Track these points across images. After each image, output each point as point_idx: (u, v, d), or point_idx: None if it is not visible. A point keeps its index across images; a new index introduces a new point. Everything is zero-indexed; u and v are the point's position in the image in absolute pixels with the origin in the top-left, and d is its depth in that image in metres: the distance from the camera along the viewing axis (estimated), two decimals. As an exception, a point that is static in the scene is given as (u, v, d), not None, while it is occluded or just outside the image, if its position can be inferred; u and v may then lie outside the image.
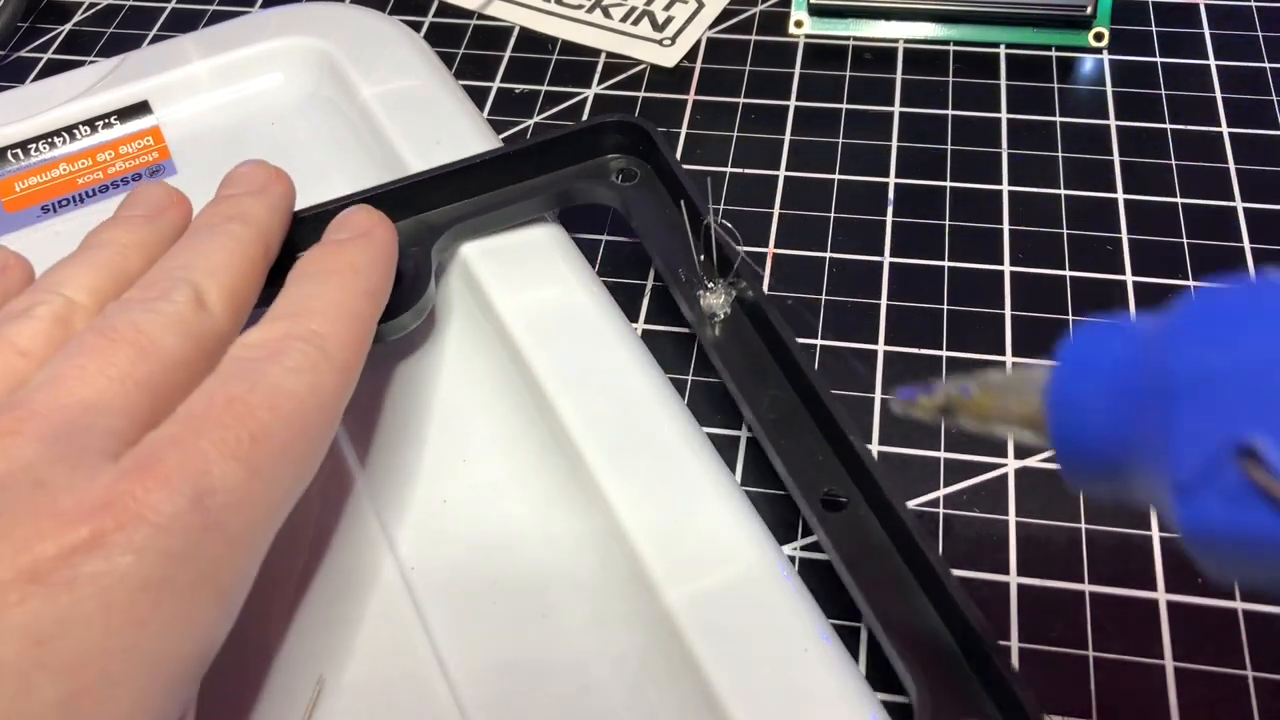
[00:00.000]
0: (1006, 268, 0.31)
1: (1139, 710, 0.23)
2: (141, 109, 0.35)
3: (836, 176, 0.34)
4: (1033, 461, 0.27)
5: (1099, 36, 0.37)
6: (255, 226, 0.25)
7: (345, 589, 0.25)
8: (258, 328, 0.22)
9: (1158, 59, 0.37)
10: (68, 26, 0.41)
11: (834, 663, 0.22)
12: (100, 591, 0.17)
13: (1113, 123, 0.35)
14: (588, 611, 0.24)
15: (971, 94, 0.36)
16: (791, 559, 0.26)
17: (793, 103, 0.36)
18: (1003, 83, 0.36)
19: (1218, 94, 0.35)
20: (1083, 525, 0.26)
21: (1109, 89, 0.36)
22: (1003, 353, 0.29)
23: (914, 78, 0.36)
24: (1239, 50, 0.37)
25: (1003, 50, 0.37)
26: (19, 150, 0.34)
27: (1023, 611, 0.25)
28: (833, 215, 0.33)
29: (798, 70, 0.37)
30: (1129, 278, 0.31)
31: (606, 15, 0.40)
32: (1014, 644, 0.24)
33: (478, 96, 0.37)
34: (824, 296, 0.31)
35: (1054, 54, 0.37)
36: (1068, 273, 0.31)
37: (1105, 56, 0.37)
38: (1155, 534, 0.26)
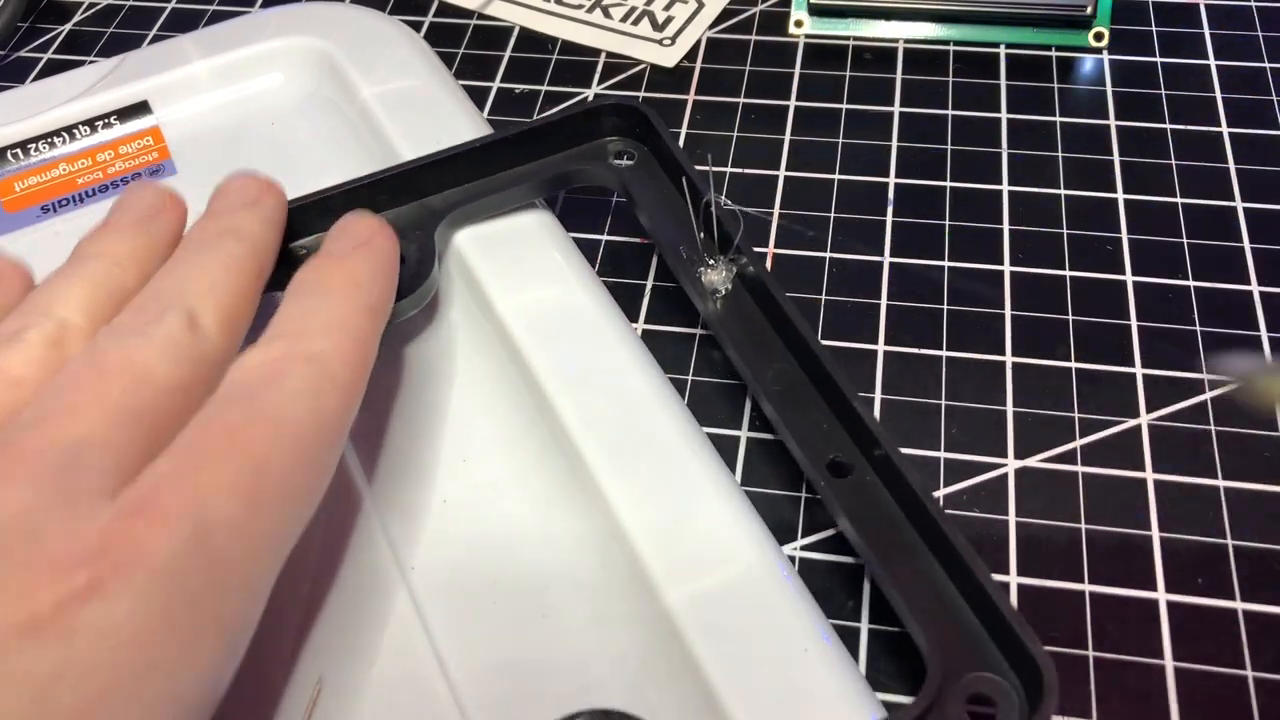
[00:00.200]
0: (1006, 268, 0.31)
1: (1139, 710, 0.23)
2: (141, 109, 0.35)
3: (836, 176, 0.34)
4: (1033, 461, 0.27)
5: (1099, 36, 0.37)
6: (249, 242, 0.24)
7: (345, 589, 0.25)
8: (256, 348, 0.21)
9: (1158, 59, 0.37)
10: (68, 26, 0.41)
11: (834, 663, 0.22)
12: (100, 639, 0.16)
13: (1113, 123, 0.35)
14: (588, 611, 0.24)
15: (971, 94, 0.36)
16: (791, 559, 0.26)
17: (793, 103, 0.36)
18: (1003, 83, 0.36)
19: (1218, 94, 0.35)
20: (1083, 525, 0.26)
21: (1109, 89, 0.36)
22: (1003, 353, 0.29)
23: (914, 78, 0.37)
24: (1239, 50, 0.37)
25: (1003, 50, 0.37)
26: (19, 150, 0.34)
27: (1023, 611, 0.25)
28: (833, 215, 0.33)
29: (798, 70, 0.37)
30: (1129, 278, 0.31)
31: (606, 15, 0.40)
32: (1014, 644, 0.24)
33: (478, 96, 0.37)
34: (824, 296, 0.31)
35: (1054, 54, 0.37)
36: (1068, 273, 0.31)
37: (1105, 56, 0.37)
38: (1155, 534, 0.26)
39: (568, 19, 0.40)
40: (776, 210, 0.33)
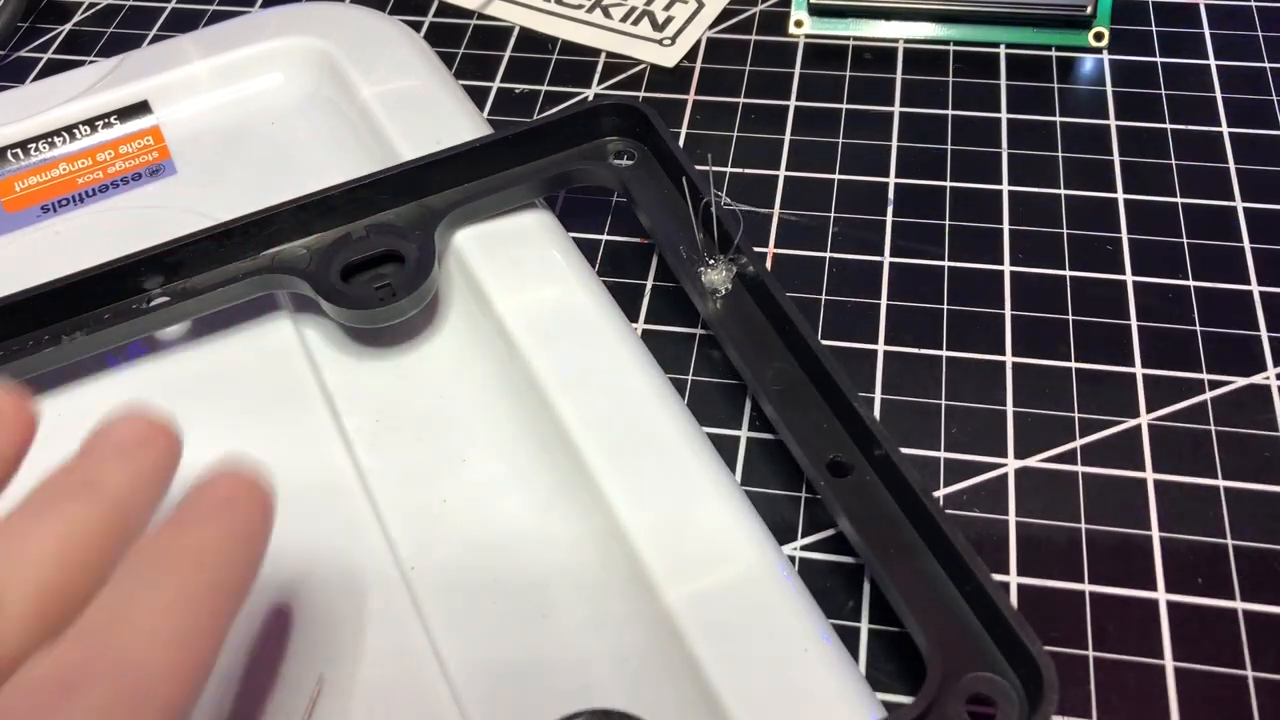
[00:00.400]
0: (1006, 268, 0.31)
1: (1139, 710, 0.23)
2: (141, 109, 0.35)
3: (836, 176, 0.34)
4: (1033, 461, 0.27)
5: (1099, 36, 0.37)
6: (107, 503, 0.19)
7: (345, 589, 0.25)
8: (51, 651, 0.16)
9: (1158, 59, 0.36)
10: (68, 26, 0.41)
11: (834, 663, 0.22)
12: None
13: (1113, 123, 0.35)
14: (588, 611, 0.24)
15: (971, 94, 0.36)
16: (791, 559, 0.26)
17: (793, 103, 0.36)
18: (1003, 83, 0.36)
19: (1218, 94, 0.35)
20: (1083, 525, 0.26)
21: (1109, 89, 0.36)
22: (1003, 353, 0.29)
23: (914, 78, 0.36)
24: (1239, 50, 0.37)
25: (1003, 50, 0.37)
26: (19, 150, 0.34)
27: (1023, 611, 0.24)
28: (833, 215, 0.33)
29: (798, 70, 0.37)
30: (1129, 277, 0.31)
31: (606, 15, 0.40)
32: (1014, 644, 0.24)
33: (478, 96, 0.37)
34: (824, 296, 0.31)
35: (1054, 54, 0.37)
36: (1068, 273, 0.31)
37: (1105, 56, 0.37)
38: (1155, 534, 0.26)
39: (568, 19, 0.40)
40: (776, 210, 0.33)
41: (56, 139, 0.34)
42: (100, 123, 0.34)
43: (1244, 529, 0.26)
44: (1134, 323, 0.30)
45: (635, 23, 0.39)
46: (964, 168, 0.34)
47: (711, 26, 0.39)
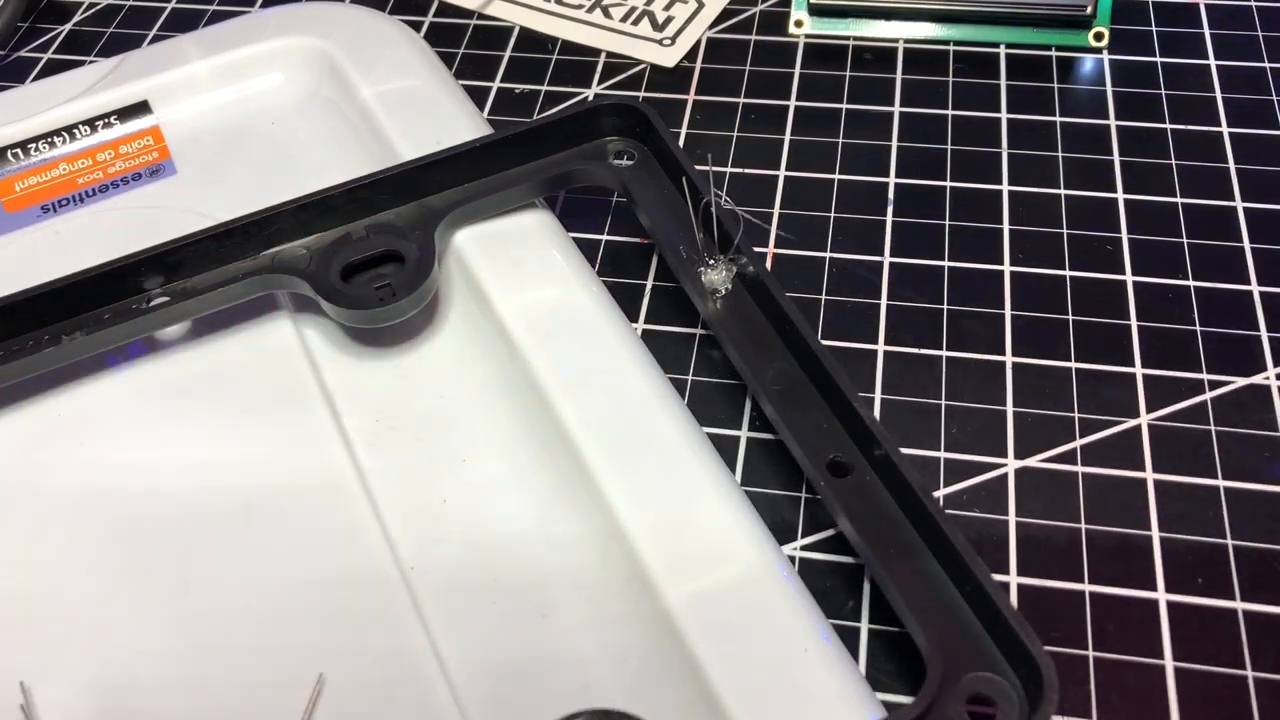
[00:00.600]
0: (1006, 268, 0.31)
1: (1139, 710, 0.23)
2: (141, 109, 0.35)
3: (836, 176, 0.34)
4: (1033, 461, 0.27)
5: (1099, 36, 0.37)
6: None
7: (345, 589, 0.25)
8: None
9: (1158, 59, 0.37)
10: (68, 26, 0.41)
11: (834, 663, 0.22)
12: None
13: (1113, 123, 0.35)
14: (588, 611, 0.24)
15: (971, 94, 0.36)
16: (791, 559, 0.26)
17: (793, 103, 0.36)
18: (1003, 83, 0.36)
19: (1218, 94, 0.35)
20: (1083, 525, 0.26)
21: (1109, 89, 0.36)
22: (1003, 353, 0.29)
23: (914, 78, 0.36)
24: (1239, 50, 0.37)
25: (1003, 50, 0.37)
26: (19, 150, 0.34)
27: (1023, 611, 0.25)
28: (833, 215, 0.33)
29: (798, 70, 0.37)
30: (1129, 278, 0.31)
31: (606, 15, 0.40)
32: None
33: (478, 96, 0.37)
34: (824, 296, 0.31)
35: (1054, 54, 0.37)
36: (1068, 273, 0.31)
37: (1105, 56, 0.37)
38: (1155, 534, 0.26)
39: (568, 19, 0.40)
40: (776, 210, 0.33)
41: (56, 139, 0.34)
42: (100, 123, 0.34)
43: (1244, 529, 0.26)
44: (1134, 323, 0.30)
45: (635, 23, 0.39)
46: (964, 168, 0.34)
47: (711, 26, 0.39)
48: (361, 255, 0.29)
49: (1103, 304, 0.30)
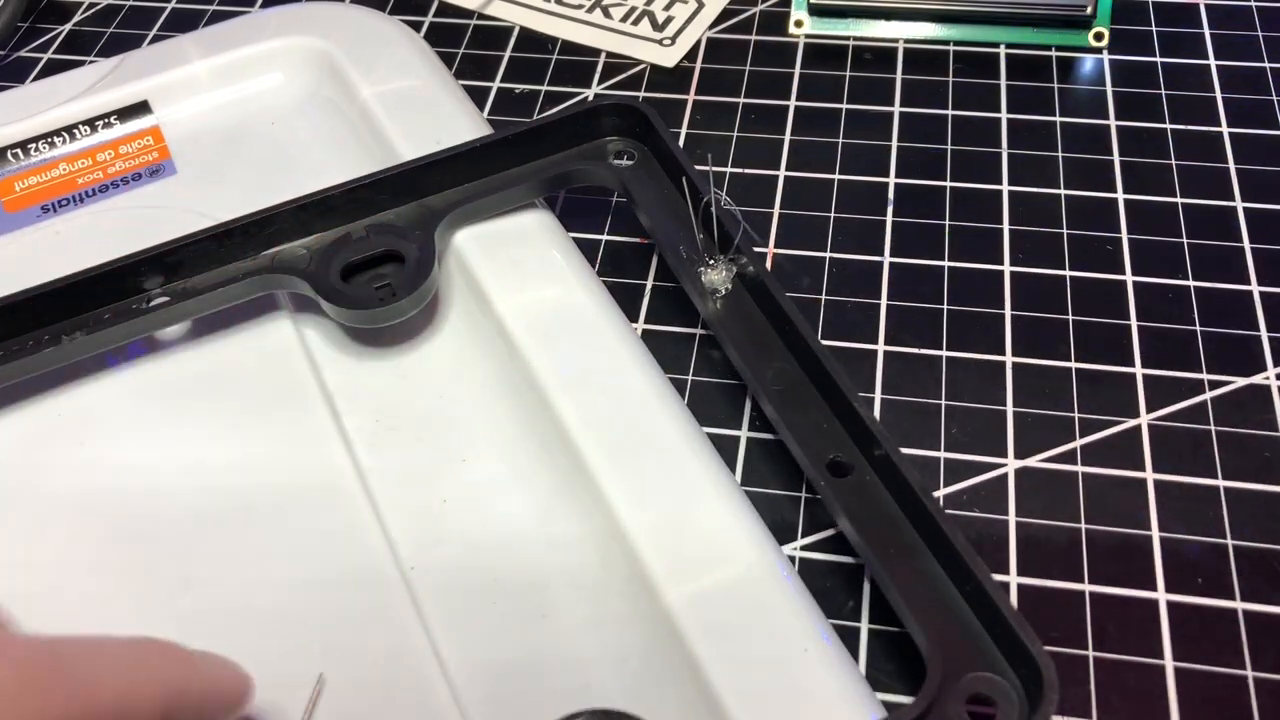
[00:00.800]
0: (1006, 268, 0.31)
1: (1139, 710, 0.23)
2: (141, 109, 0.35)
3: (836, 176, 0.34)
4: (1033, 461, 0.27)
5: (1099, 36, 0.37)
6: None
7: (345, 589, 0.25)
8: None
9: (1158, 59, 0.36)
10: (68, 26, 0.41)
11: (834, 663, 0.22)
12: None
13: (1113, 123, 0.35)
14: (588, 611, 0.24)
15: (971, 94, 0.36)
16: (791, 559, 0.26)
17: (793, 103, 0.36)
18: (1003, 83, 0.36)
19: (1218, 94, 0.35)
20: (1083, 525, 0.26)
21: (1109, 89, 0.36)
22: (1003, 353, 0.29)
23: (914, 78, 0.36)
24: (1239, 50, 0.37)
25: (1003, 50, 0.37)
26: (19, 150, 0.34)
27: (1023, 611, 0.24)
28: (833, 215, 0.33)
29: (798, 70, 0.37)
30: (1129, 278, 0.31)
31: (606, 15, 0.40)
32: (1014, 644, 0.24)
33: (478, 96, 0.37)
34: (824, 296, 0.31)
35: (1054, 54, 0.37)
36: (1068, 273, 0.31)
37: (1105, 56, 0.37)
38: (1155, 534, 0.26)
39: (568, 19, 0.40)
40: (776, 210, 0.33)
41: (56, 139, 0.34)
42: (100, 123, 0.34)
43: (1244, 529, 0.26)
44: (1134, 323, 0.30)
45: (635, 23, 0.39)
46: (964, 168, 0.34)
47: (711, 26, 0.39)
48: (361, 255, 0.29)
49: (1103, 304, 0.30)
